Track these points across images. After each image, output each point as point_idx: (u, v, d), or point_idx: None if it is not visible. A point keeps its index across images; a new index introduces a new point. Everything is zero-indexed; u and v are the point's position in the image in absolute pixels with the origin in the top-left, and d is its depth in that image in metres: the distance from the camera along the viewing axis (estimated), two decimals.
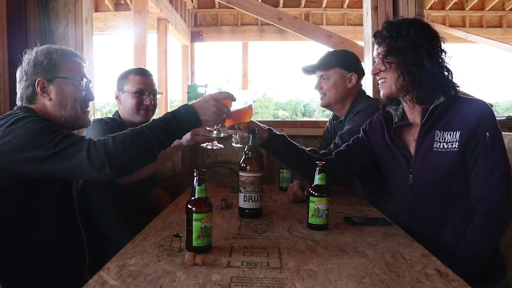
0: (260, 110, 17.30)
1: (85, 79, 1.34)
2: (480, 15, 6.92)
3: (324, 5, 6.53)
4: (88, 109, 1.37)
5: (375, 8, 2.32)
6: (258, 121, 1.57)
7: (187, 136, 1.56)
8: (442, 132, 1.26)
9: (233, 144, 1.51)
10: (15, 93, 1.32)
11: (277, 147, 1.53)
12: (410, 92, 1.32)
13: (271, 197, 1.78)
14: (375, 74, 1.37)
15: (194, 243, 1.02)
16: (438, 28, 1.44)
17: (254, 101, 1.52)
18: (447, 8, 6.77)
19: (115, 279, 0.87)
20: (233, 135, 1.48)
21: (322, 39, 4.12)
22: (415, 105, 1.33)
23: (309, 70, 1.90)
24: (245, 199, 1.37)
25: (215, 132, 1.39)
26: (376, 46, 1.37)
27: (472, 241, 1.22)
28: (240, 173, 1.38)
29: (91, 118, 1.40)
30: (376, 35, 1.37)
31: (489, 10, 6.79)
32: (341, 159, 1.57)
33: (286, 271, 0.93)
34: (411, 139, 1.37)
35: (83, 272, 1.30)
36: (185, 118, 1.20)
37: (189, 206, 1.04)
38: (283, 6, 6.33)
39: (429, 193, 1.31)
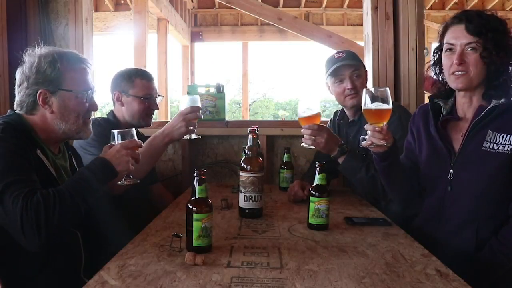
0: (260, 110, 17.28)
1: (89, 91, 1.28)
2: None
3: (324, 5, 6.52)
4: (91, 118, 1.33)
5: (375, 8, 2.32)
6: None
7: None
8: (494, 133, 1.23)
9: (304, 145, 1.53)
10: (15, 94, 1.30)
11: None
12: (484, 87, 1.27)
13: (271, 197, 1.78)
14: (459, 64, 1.26)
15: (195, 243, 1.02)
16: (438, 28, 1.42)
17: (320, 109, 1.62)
18: (447, 8, 6.76)
19: (115, 279, 0.87)
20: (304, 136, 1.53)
21: (322, 39, 4.13)
22: (473, 101, 1.30)
23: (346, 66, 1.74)
24: (245, 199, 1.37)
25: (124, 180, 1.29)
26: (465, 33, 1.28)
27: (503, 242, 1.19)
28: (240, 173, 1.38)
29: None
30: (468, 23, 1.29)
31: (489, 10, 6.79)
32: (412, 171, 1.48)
33: (286, 271, 0.93)
34: (458, 134, 1.34)
35: (79, 273, 1.29)
36: (101, 173, 1.17)
37: (189, 206, 1.04)
38: (283, 6, 6.33)
39: (466, 190, 1.28)
